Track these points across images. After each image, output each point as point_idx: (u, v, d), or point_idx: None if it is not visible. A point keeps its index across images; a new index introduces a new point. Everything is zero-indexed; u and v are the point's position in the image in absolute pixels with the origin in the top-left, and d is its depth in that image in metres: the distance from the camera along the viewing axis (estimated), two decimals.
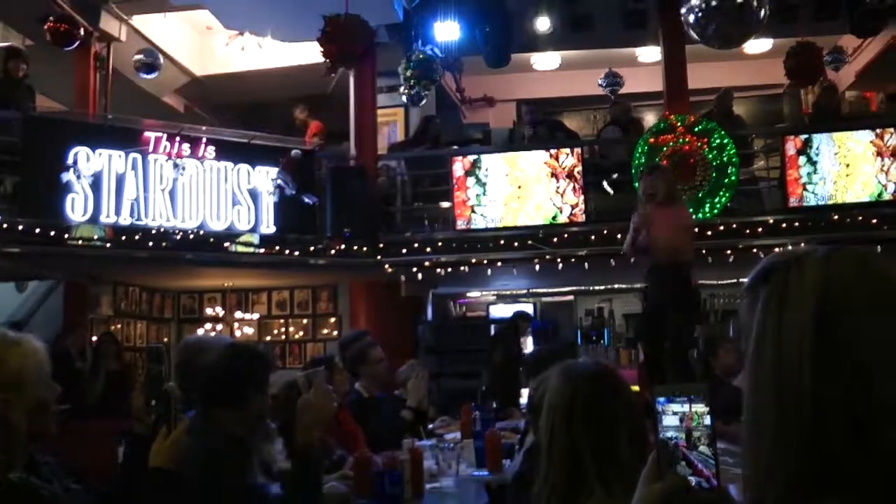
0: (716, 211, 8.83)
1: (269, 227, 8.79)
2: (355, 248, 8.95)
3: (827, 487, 0.97)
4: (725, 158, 8.91)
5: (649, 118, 12.06)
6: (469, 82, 12.70)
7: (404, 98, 8.09)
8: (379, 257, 9.06)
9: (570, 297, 11.97)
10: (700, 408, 1.23)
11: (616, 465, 1.77)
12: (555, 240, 8.91)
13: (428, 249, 9.06)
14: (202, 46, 11.08)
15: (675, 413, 1.25)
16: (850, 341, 0.97)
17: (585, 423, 1.83)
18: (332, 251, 8.93)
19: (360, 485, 3.56)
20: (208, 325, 10.15)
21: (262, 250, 8.73)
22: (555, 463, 1.84)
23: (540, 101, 11.51)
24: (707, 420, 1.22)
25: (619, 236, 8.47)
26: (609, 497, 1.75)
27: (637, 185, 8.37)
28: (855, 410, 0.95)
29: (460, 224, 9.05)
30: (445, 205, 9.39)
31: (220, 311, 10.46)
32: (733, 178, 8.88)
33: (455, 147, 9.98)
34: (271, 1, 7.87)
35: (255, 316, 10.38)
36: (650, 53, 11.36)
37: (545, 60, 12.23)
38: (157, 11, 9.81)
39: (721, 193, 8.87)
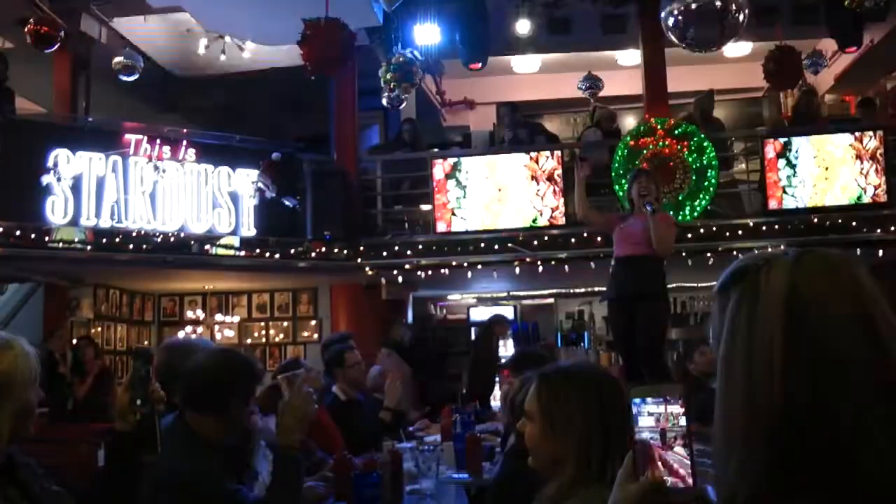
0: (696, 214, 8.91)
1: (249, 230, 8.80)
2: (336, 250, 8.98)
3: (797, 487, 0.99)
4: (705, 161, 8.99)
5: (629, 121, 12.15)
6: (449, 85, 12.78)
7: (384, 101, 8.11)
8: (359, 260, 9.08)
9: (551, 300, 12.06)
10: (675, 409, 1.25)
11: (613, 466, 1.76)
12: (535, 242, 8.95)
13: (408, 252, 9.08)
14: (182, 48, 11.05)
15: (650, 414, 1.26)
16: (819, 341, 1.00)
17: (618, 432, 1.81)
18: (313, 254, 8.95)
19: (339, 487, 3.57)
20: (189, 328, 10.13)
21: (242, 253, 8.74)
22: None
23: (520, 104, 11.57)
24: (682, 421, 1.23)
25: (598, 239, 8.59)
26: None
27: (626, 185, 8.52)
28: (824, 410, 0.98)
29: (441, 227, 9.07)
30: (426, 207, 9.44)
31: (200, 313, 10.44)
32: (713, 181, 8.96)
33: (435, 150, 10.02)
34: (252, 4, 7.87)
35: (236, 319, 10.38)
36: (630, 56, 11.45)
37: (525, 63, 12.30)
38: (138, 14, 9.77)
39: (701, 196, 8.94)
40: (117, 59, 9.20)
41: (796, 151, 9.02)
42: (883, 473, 0.96)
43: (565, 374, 1.98)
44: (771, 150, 9.07)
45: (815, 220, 8.74)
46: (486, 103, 12.97)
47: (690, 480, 1.19)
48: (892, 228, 8.69)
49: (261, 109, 11.51)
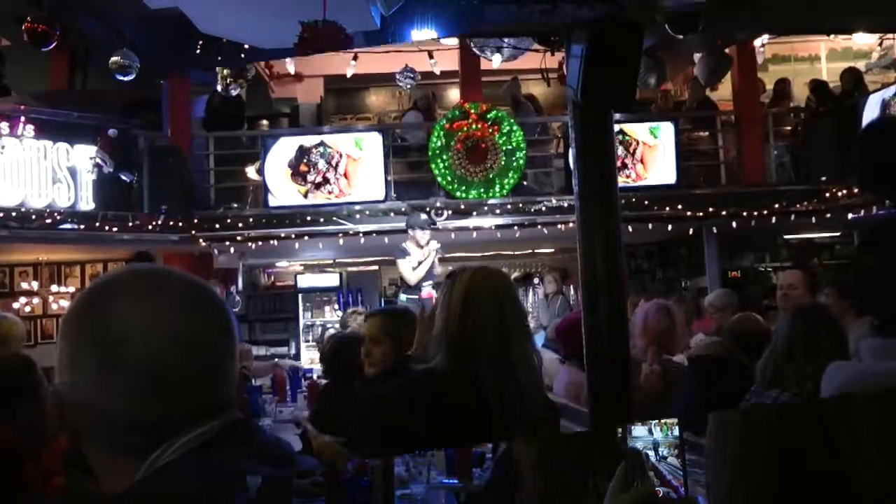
0: (505, 191, 11.42)
1: (88, 204, 10.48)
2: (171, 223, 10.73)
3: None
4: (514, 143, 11.51)
5: (452, 95, 14.65)
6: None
7: (218, 88, 10.13)
8: (193, 232, 10.88)
9: (375, 267, 14.48)
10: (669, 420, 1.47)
11: None
12: (357, 216, 11.28)
13: (240, 225, 10.99)
14: None
15: (643, 424, 1.43)
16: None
17: None
18: (150, 227, 10.66)
19: (330, 490, 3.79)
20: (23, 300, 11.63)
21: (82, 226, 10.37)
22: None
23: (346, 77, 13.78)
24: (675, 431, 1.43)
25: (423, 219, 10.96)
26: None
27: (442, 165, 11.05)
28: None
29: (272, 201, 11.28)
30: (255, 176, 11.60)
31: (35, 284, 11.91)
32: (521, 161, 11.46)
33: (265, 126, 12.21)
34: (249, 6, 8.17)
35: (71, 289, 12.05)
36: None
37: None
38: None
39: (510, 175, 11.52)
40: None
41: None
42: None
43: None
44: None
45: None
46: (313, 76, 14.93)
47: (683, 490, 1.41)
48: (679, 207, 11.72)
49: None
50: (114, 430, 1.23)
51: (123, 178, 10.56)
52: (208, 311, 1.31)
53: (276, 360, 9.24)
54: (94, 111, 11.06)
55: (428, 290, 8.98)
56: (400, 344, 3.74)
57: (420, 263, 9.21)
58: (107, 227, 10.48)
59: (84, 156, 10.54)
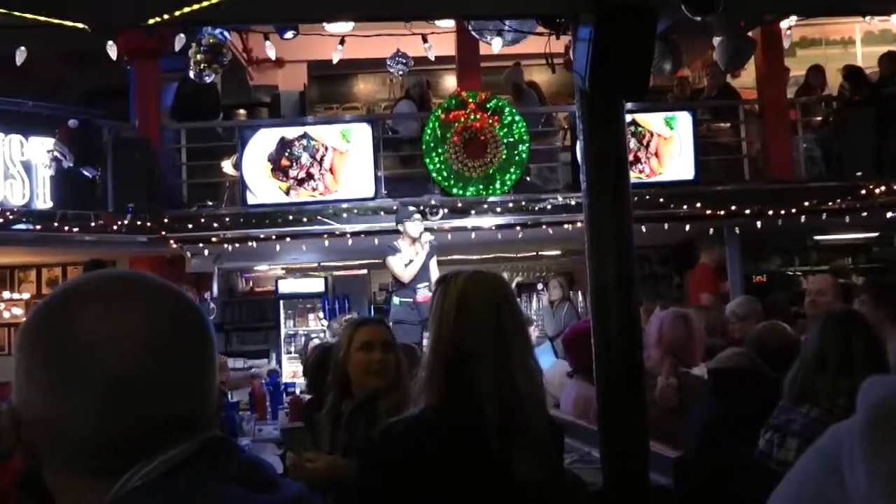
0: (506, 188, 11.42)
1: (45, 202, 10.51)
2: (139, 223, 10.73)
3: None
4: (516, 135, 11.50)
5: (448, 83, 14.67)
6: (256, 41, 14.38)
7: (191, 74, 10.15)
8: (164, 233, 10.90)
9: (364, 271, 14.49)
10: None
11: None
12: (344, 215, 11.29)
13: (215, 225, 11.00)
14: None
15: None
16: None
17: None
18: (115, 227, 10.65)
19: None
20: None
21: (38, 227, 10.36)
22: None
23: (332, 63, 13.74)
24: None
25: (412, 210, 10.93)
26: None
27: (437, 159, 11.06)
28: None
29: (251, 199, 11.29)
30: (231, 172, 11.61)
31: None
32: (524, 155, 11.45)
33: (243, 116, 12.22)
34: None
35: (25, 296, 12.05)
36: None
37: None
38: None
39: (512, 170, 11.53)
40: None
41: None
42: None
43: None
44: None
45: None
46: (295, 61, 14.96)
47: None
48: (698, 205, 11.73)
49: (41, 61, 13.04)
50: (76, 450, 1.23)
51: (85, 173, 10.55)
52: (184, 317, 1.30)
53: (253, 369, 9.27)
54: (52, 100, 11.02)
55: (424, 293, 9.01)
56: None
57: (411, 260, 9.23)
58: (66, 228, 10.49)
59: (41, 149, 10.60)
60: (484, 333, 2.77)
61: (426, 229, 9.70)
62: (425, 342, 4.23)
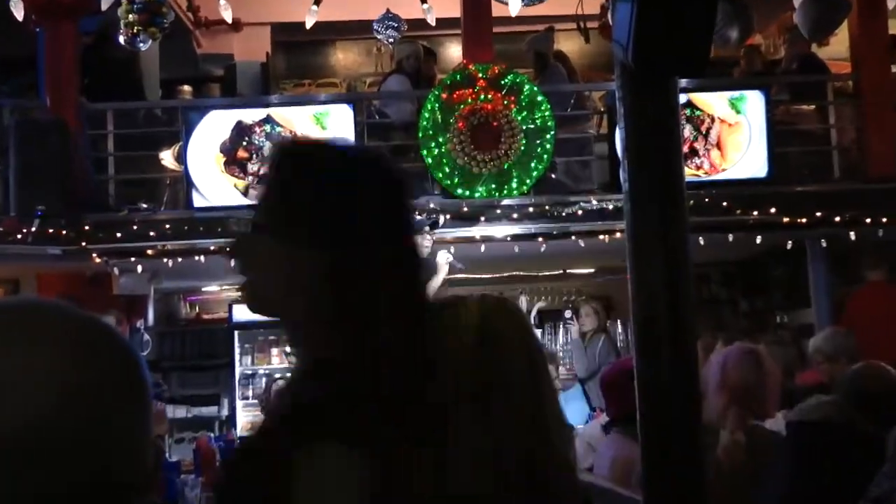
0: (525, 188, 11.35)
1: None
2: (51, 231, 10.65)
3: None
4: (539, 121, 11.42)
5: (452, 53, 14.68)
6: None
7: (122, 40, 10.08)
8: (84, 243, 10.84)
9: None
10: None
11: None
12: None
13: (151, 233, 10.94)
14: None
15: None
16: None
17: None
18: (18, 236, 10.56)
19: None
20: None
21: None
22: None
23: (304, 27, 13.73)
24: None
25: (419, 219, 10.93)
26: None
27: (431, 153, 11.06)
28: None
29: (198, 200, 11.31)
30: (173, 165, 11.58)
31: None
32: (549, 146, 11.35)
33: (188, 94, 12.19)
34: None
35: None
36: None
37: None
38: None
39: (532, 166, 11.42)
40: None
41: None
42: None
43: None
44: None
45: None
46: (256, 24, 15.05)
47: None
48: (773, 210, 11.70)
49: None
50: None
51: None
52: (107, 358, 1.30)
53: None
54: None
55: None
56: None
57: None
58: None
59: None
60: (516, 375, 2.67)
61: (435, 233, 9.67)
62: None
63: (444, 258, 9.28)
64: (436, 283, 9.20)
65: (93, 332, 1.30)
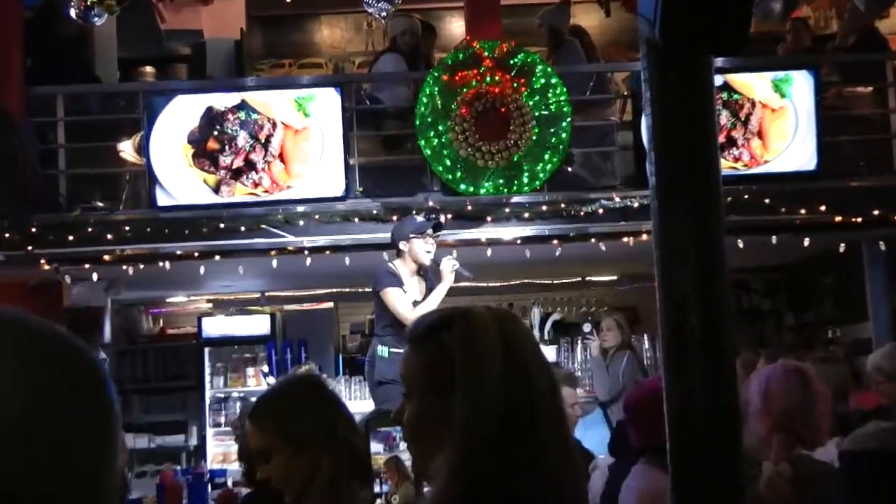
0: (537, 183, 11.39)
1: None
2: None
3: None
4: (554, 107, 11.45)
5: (454, 29, 14.71)
6: None
7: (73, 14, 10.09)
8: (31, 248, 10.80)
9: (330, 304, 14.45)
10: None
11: None
12: (301, 222, 11.20)
13: (109, 236, 10.91)
14: None
15: None
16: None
17: None
18: None
19: None
20: None
21: None
22: None
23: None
24: None
25: (395, 218, 10.85)
26: None
27: (430, 143, 11.06)
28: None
29: (162, 198, 11.28)
30: (133, 158, 11.57)
31: None
32: (564, 135, 11.35)
33: (151, 77, 12.20)
34: None
35: None
36: None
37: None
38: None
39: (546, 158, 11.46)
40: None
41: None
42: None
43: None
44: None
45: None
46: None
47: None
48: (823, 208, 11.67)
49: None
50: None
51: None
52: (66, 375, 1.28)
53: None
54: None
55: None
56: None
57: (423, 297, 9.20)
58: None
59: None
60: (543, 394, 2.64)
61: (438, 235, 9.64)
62: None
63: (449, 265, 9.20)
64: (440, 293, 9.14)
65: (53, 342, 1.28)
